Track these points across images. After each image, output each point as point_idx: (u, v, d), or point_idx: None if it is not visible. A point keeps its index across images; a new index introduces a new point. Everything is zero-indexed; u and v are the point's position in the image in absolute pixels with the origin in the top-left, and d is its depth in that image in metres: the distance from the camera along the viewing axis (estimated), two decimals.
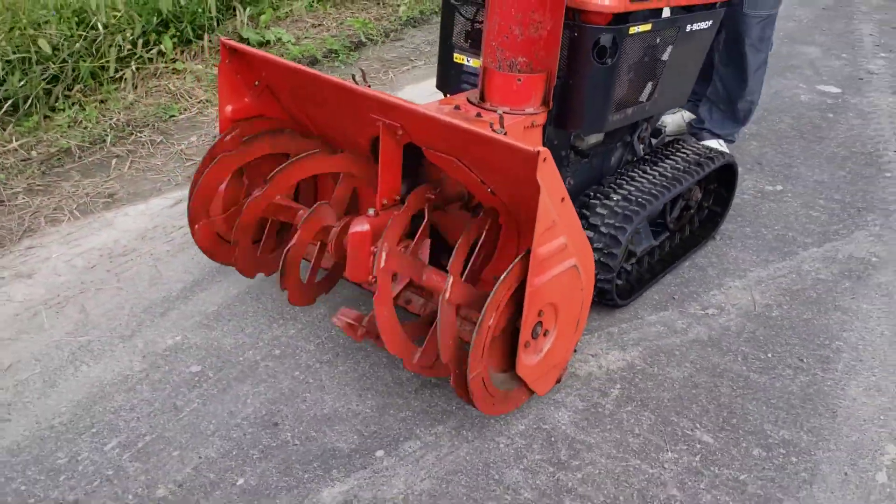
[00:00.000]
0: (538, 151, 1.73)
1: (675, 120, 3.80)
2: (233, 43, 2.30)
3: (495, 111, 2.20)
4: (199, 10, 4.53)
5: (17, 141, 3.58)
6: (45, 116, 3.79)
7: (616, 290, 2.59)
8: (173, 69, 4.34)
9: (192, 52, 4.50)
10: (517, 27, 2.14)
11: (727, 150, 3.48)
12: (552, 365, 2.16)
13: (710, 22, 2.73)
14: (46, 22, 3.91)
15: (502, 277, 1.87)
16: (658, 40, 2.53)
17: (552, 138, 2.49)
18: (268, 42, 4.78)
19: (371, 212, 2.08)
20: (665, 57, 2.60)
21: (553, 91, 2.31)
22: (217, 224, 2.40)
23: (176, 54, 4.41)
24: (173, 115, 3.96)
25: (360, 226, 2.05)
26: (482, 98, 2.31)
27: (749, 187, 3.44)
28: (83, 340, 2.43)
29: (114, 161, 3.52)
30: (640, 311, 2.67)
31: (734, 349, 2.51)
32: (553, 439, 2.16)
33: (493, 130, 2.02)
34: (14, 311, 2.54)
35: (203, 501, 1.91)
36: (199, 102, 4.11)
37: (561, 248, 1.95)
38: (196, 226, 2.36)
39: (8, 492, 1.91)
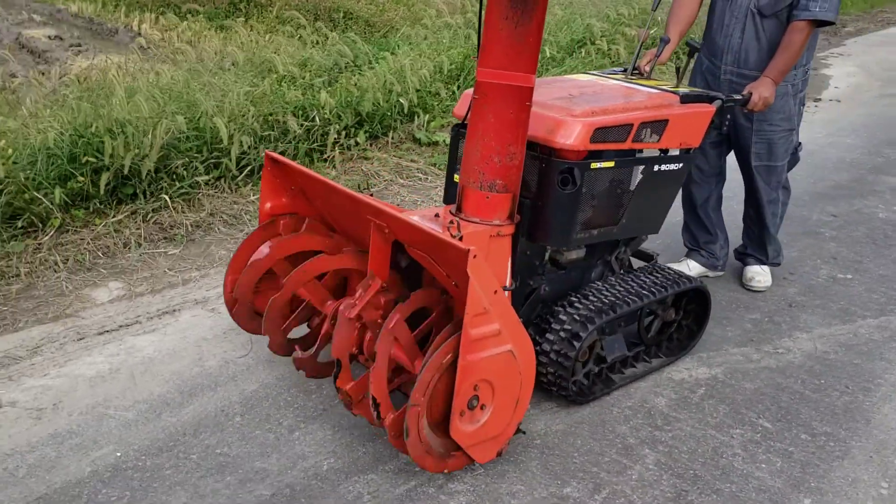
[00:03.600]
0: (468, 250, 2.15)
1: (680, 268, 3.95)
2: (274, 155, 2.87)
3: (467, 220, 2.59)
4: (388, 113, 5.79)
5: (253, 196, 4.80)
6: None
7: (578, 388, 2.97)
8: (364, 156, 5.56)
9: (379, 145, 5.73)
10: (496, 156, 2.51)
11: (767, 276, 3.99)
12: (490, 437, 2.51)
13: (681, 165, 3.07)
14: (282, 111, 5.22)
15: (439, 347, 2.30)
16: (623, 175, 2.88)
17: (525, 249, 2.87)
18: (435, 142, 5.97)
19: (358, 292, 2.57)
20: (632, 189, 2.93)
21: (522, 208, 2.73)
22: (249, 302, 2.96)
23: (367, 145, 5.65)
24: (366, 189, 5.13)
25: (349, 309, 2.54)
26: (458, 210, 2.64)
27: (824, 274, 4.24)
28: None
29: None
30: (724, 345, 3.50)
31: (795, 375, 3.30)
32: (652, 413, 3.01)
33: (452, 235, 2.43)
34: None
35: None
36: (384, 181, 5.28)
37: (494, 333, 2.33)
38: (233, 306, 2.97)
39: None
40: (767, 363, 3.39)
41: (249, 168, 4.95)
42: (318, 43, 7.82)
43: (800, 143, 3.78)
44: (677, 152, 3.07)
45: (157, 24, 12.14)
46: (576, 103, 2.81)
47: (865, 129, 7.18)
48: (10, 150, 4.01)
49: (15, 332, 3.35)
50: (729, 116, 3.23)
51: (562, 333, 2.87)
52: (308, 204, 2.99)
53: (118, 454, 2.64)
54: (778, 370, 3.34)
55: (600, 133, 2.71)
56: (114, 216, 4.34)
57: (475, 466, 2.64)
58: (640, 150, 2.93)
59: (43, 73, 7.78)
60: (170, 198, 4.51)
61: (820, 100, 8.23)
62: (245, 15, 12.55)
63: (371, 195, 3.01)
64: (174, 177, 4.61)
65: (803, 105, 3.71)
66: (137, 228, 4.31)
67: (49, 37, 11.97)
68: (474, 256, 2.17)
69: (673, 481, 2.64)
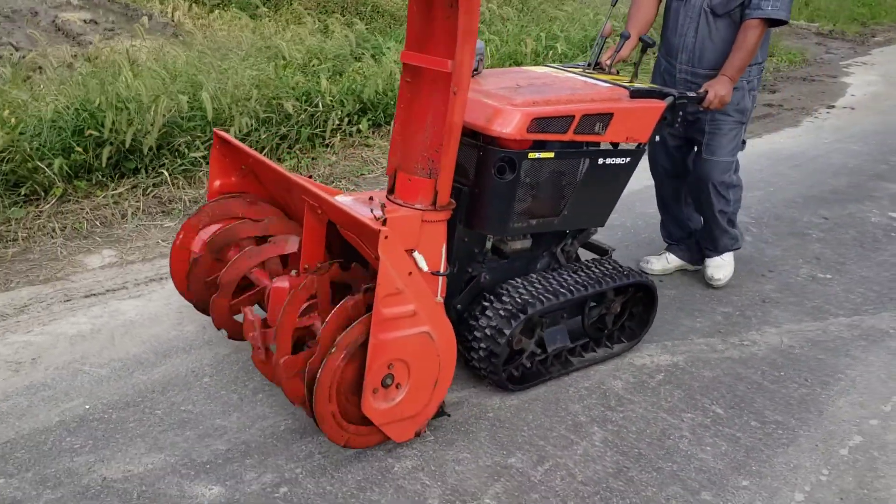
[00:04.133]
0: (379, 230, 2.20)
1: (660, 262, 4.11)
2: (223, 134, 2.90)
3: (397, 203, 2.64)
4: (392, 101, 5.90)
5: None
6: (276, 160, 5.16)
7: (511, 376, 3.02)
8: (366, 143, 5.68)
9: (382, 133, 5.85)
10: (419, 140, 2.61)
11: (727, 266, 3.98)
12: (407, 416, 2.55)
13: (628, 159, 3.09)
14: (286, 96, 5.36)
15: (351, 326, 2.32)
16: (563, 167, 2.89)
17: (463, 236, 2.90)
18: None
19: (293, 273, 2.66)
20: (572, 181, 2.95)
21: (460, 195, 2.78)
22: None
23: (369, 133, 5.77)
24: (363, 174, 5.25)
25: (281, 282, 2.62)
26: (390, 192, 2.72)
27: (804, 273, 4.27)
28: None
29: None
30: (691, 335, 3.56)
31: (756, 366, 3.35)
32: (608, 394, 3.08)
33: (375, 217, 2.44)
34: None
35: None
36: (381, 168, 5.39)
37: (409, 314, 2.37)
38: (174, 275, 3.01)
39: None
40: (731, 354, 3.44)
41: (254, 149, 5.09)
42: (328, 31, 7.95)
43: (744, 142, 3.76)
44: (625, 147, 3.09)
45: (190, 11, 12.39)
46: (519, 93, 2.83)
47: (875, 136, 7.14)
48: (13, 120, 4.18)
49: (6, 292, 3.51)
50: (681, 113, 3.19)
51: (487, 331, 2.88)
52: (259, 185, 3.04)
53: (87, 407, 2.78)
54: (740, 361, 3.39)
55: (539, 123, 2.72)
56: (114, 189, 4.50)
57: (426, 435, 2.74)
58: (586, 143, 2.94)
59: (74, 57, 8.01)
60: (170, 173, 4.66)
61: (833, 107, 8.19)
62: (275, 6, 12.75)
63: (310, 177, 3.10)
64: (176, 153, 4.76)
65: (754, 103, 3.73)
66: (137, 201, 4.47)
67: (84, 20, 12.25)
68: (385, 237, 2.21)
69: (616, 458, 2.72)
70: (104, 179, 4.54)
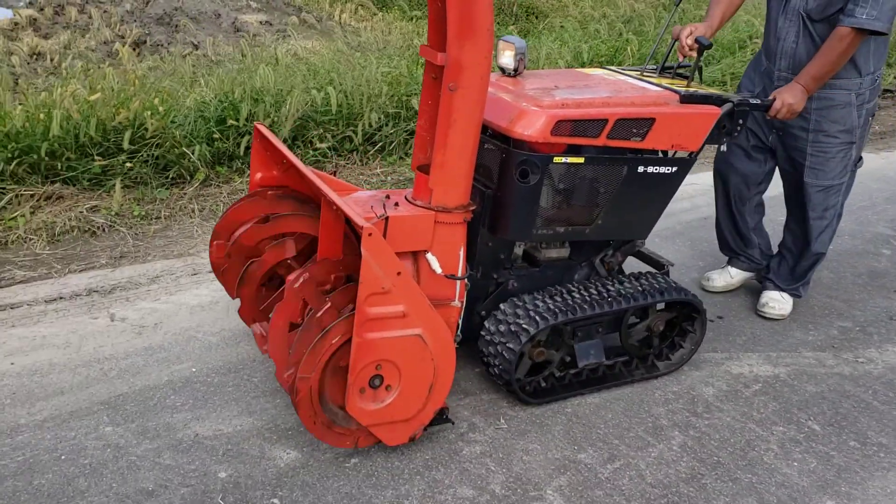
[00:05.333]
0: (363, 227, 2.12)
1: (722, 277, 3.81)
2: (262, 128, 2.82)
3: (413, 203, 2.59)
4: None
5: (380, 169, 5.15)
6: (401, 157, 5.34)
7: (530, 388, 2.87)
8: None
9: None
10: (426, 136, 2.56)
11: (786, 304, 3.60)
12: (400, 419, 2.46)
13: (674, 168, 2.86)
14: (416, 93, 5.53)
15: (346, 315, 2.29)
16: (596, 173, 2.74)
17: (486, 240, 2.79)
18: None
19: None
20: (607, 189, 2.79)
21: (483, 198, 2.71)
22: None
23: None
24: None
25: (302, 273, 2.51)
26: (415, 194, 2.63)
27: None
28: None
29: None
30: (800, 348, 3.38)
31: (868, 385, 3.14)
32: (696, 400, 2.99)
33: (376, 215, 2.44)
34: None
35: None
36: None
37: (398, 314, 2.28)
38: (214, 242, 2.90)
39: None
40: (841, 370, 3.24)
41: (381, 143, 5.31)
42: None
43: (860, 159, 3.43)
44: (671, 154, 2.90)
45: (356, 14, 13.00)
46: (552, 94, 2.70)
47: None
48: (160, 109, 4.58)
49: (143, 264, 3.87)
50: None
51: (512, 326, 2.75)
52: (300, 178, 2.89)
53: (193, 370, 3.03)
54: (850, 378, 3.18)
55: (566, 126, 2.59)
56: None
57: (499, 421, 2.79)
58: (625, 149, 2.77)
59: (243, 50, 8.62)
60: (303, 164, 4.94)
61: None
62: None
63: (334, 174, 2.96)
64: (308, 145, 5.04)
65: (872, 117, 3.34)
66: None
67: (260, 22, 13.14)
68: (370, 234, 2.14)
69: (692, 464, 2.64)
70: (242, 167, 4.88)
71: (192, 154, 4.59)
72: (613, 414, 2.88)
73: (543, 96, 2.68)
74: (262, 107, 4.81)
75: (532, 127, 2.57)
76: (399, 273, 2.24)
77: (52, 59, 10.29)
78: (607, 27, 7.44)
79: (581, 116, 2.62)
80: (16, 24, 11.80)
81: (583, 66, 6.46)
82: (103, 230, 4.11)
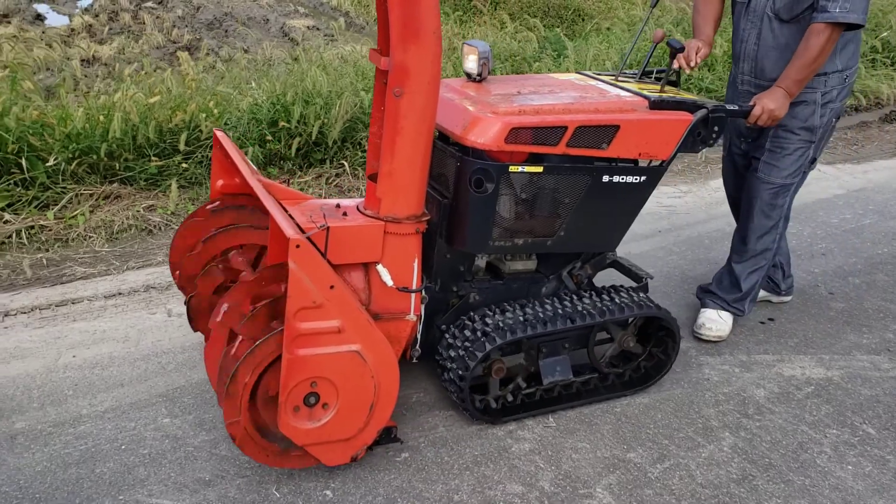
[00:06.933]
0: (290, 238, 2.03)
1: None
2: (220, 134, 2.73)
3: (363, 213, 2.48)
4: None
5: None
6: None
7: (489, 407, 2.75)
8: None
9: None
10: (377, 142, 2.49)
11: (724, 325, 3.36)
12: (339, 439, 2.36)
13: (643, 178, 2.73)
14: None
15: (260, 341, 2.17)
16: (557, 183, 2.62)
17: (444, 252, 2.69)
18: None
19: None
20: (569, 200, 2.67)
21: (440, 208, 2.61)
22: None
23: None
24: None
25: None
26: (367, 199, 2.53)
27: None
28: None
29: None
30: (853, 351, 3.33)
31: None
32: (747, 402, 2.97)
33: (317, 225, 2.33)
34: None
35: None
36: None
37: (333, 330, 2.18)
38: (176, 272, 2.82)
39: None
40: None
41: None
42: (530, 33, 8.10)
43: (814, 161, 3.24)
44: (640, 163, 2.75)
45: None
46: (511, 101, 2.59)
47: None
48: (215, 112, 4.69)
49: None
50: (717, 129, 2.78)
51: (467, 343, 2.65)
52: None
53: None
54: None
55: (521, 133, 2.47)
56: (301, 177, 4.91)
57: (548, 419, 2.80)
58: (592, 158, 2.64)
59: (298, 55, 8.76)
60: (350, 165, 5.01)
61: None
62: (479, 11, 13.18)
63: (287, 182, 2.93)
64: (357, 146, 5.11)
65: (837, 119, 3.17)
66: (320, 189, 4.85)
67: (308, 27, 13.34)
68: (297, 246, 2.05)
69: (743, 465, 2.63)
70: (294, 168, 4.96)
71: (246, 156, 4.68)
72: (663, 414, 2.88)
73: (501, 102, 2.57)
74: (312, 109, 4.89)
75: (485, 135, 2.46)
76: (332, 286, 2.14)
77: (106, 64, 10.56)
78: (655, 28, 7.39)
79: (538, 124, 2.50)
80: (72, 29, 12.14)
81: (630, 67, 6.44)
82: (160, 229, 4.22)
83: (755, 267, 3.34)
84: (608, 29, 7.65)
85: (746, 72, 3.17)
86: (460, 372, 2.62)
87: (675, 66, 3.00)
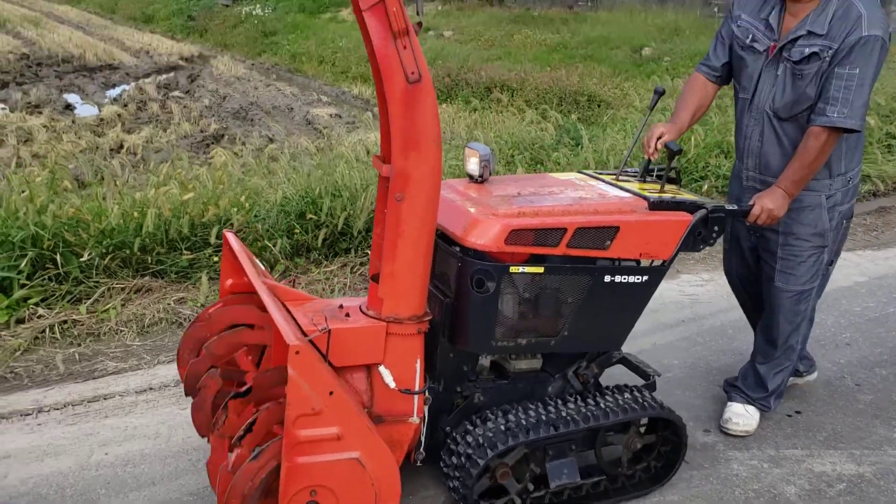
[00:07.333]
0: (290, 345, 2.04)
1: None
2: (231, 239, 2.79)
3: (365, 313, 2.50)
4: None
5: None
6: None
7: None
8: None
9: None
10: (380, 243, 2.52)
11: (751, 420, 3.35)
12: None
13: (645, 277, 2.74)
14: None
15: (257, 451, 2.18)
16: (558, 283, 2.64)
17: (448, 352, 2.69)
18: None
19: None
20: (572, 299, 2.68)
21: (442, 308, 2.63)
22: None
23: None
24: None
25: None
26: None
27: None
28: None
29: None
30: (884, 446, 3.30)
31: None
32: (778, 499, 2.95)
33: (318, 328, 2.36)
34: None
35: None
36: None
37: (332, 437, 2.18)
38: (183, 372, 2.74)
39: None
40: None
41: None
42: (545, 121, 8.30)
43: (831, 262, 3.23)
44: (640, 263, 2.77)
45: None
46: (511, 202, 2.65)
47: None
48: (246, 205, 4.83)
49: None
50: (716, 228, 2.81)
51: (469, 449, 2.62)
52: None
53: None
54: None
55: (520, 235, 2.52)
56: (327, 266, 5.01)
57: None
58: (593, 258, 2.67)
59: (321, 147, 9.01)
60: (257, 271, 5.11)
61: None
62: (496, 100, 13.52)
63: (292, 283, 2.92)
64: None
65: (848, 220, 3.18)
66: (345, 278, 4.94)
67: (330, 115, 13.72)
68: (297, 353, 2.06)
69: None
70: (319, 258, 5.07)
71: (274, 247, 4.80)
72: None
73: (501, 204, 2.63)
74: (339, 201, 5.02)
75: (485, 236, 2.51)
76: (332, 392, 2.15)
77: (135, 153, 10.87)
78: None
79: (538, 226, 2.55)
80: (101, 119, 12.55)
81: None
82: (190, 321, 4.29)
83: (780, 367, 3.34)
84: (624, 119, 7.82)
85: (751, 167, 3.18)
86: (463, 491, 2.61)
87: (648, 158, 3.05)
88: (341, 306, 2.58)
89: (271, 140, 11.29)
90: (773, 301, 3.24)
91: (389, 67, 2.22)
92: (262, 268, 2.84)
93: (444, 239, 2.69)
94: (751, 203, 2.93)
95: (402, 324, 2.44)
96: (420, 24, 2.29)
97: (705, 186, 6.34)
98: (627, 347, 3.09)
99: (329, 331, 2.35)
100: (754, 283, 3.42)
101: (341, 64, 17.71)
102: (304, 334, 2.31)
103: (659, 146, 3.04)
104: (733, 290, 3.63)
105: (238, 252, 2.70)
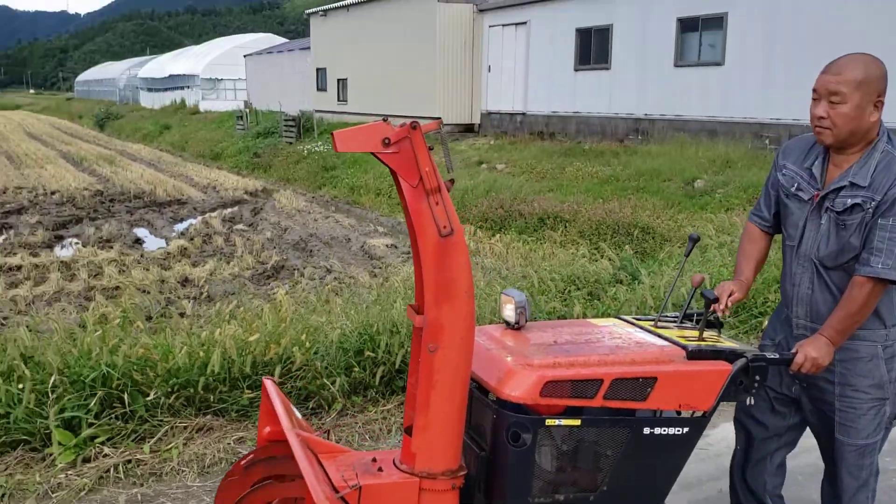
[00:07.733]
0: None
1: None
2: (268, 383, 2.81)
3: (398, 467, 2.48)
4: None
5: None
6: None
7: None
8: None
9: None
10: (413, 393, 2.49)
11: None
12: None
13: (685, 429, 2.66)
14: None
15: None
16: (596, 436, 2.58)
17: None
18: None
19: None
20: (611, 453, 2.62)
21: (478, 462, 2.59)
22: None
23: None
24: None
25: None
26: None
27: None
28: None
29: None
30: None
31: None
32: None
33: (349, 485, 2.34)
34: None
35: None
36: None
37: None
38: None
39: None
40: None
41: None
42: (598, 253, 8.37)
43: (895, 416, 3.06)
44: (681, 414, 2.70)
45: (474, 235, 13.73)
46: (547, 351, 2.63)
47: None
48: (307, 344, 4.93)
49: None
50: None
51: None
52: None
53: None
54: None
55: (556, 387, 2.48)
56: (384, 405, 5.03)
57: None
58: (632, 410, 2.62)
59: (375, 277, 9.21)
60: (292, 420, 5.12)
61: None
62: (551, 229, 13.71)
63: (328, 432, 2.93)
64: None
65: None
66: (401, 418, 4.94)
67: (386, 245, 14.06)
68: None
69: None
70: (377, 396, 5.09)
71: (333, 385, 4.85)
72: None
73: (537, 353, 2.60)
74: (396, 338, 5.09)
75: (520, 388, 2.46)
76: None
77: (197, 285, 11.21)
78: (725, 252, 7.58)
79: (573, 377, 2.50)
80: (168, 253, 13.07)
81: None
82: None
83: None
84: (680, 254, 7.84)
85: (801, 315, 3.06)
86: None
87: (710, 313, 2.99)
88: (374, 459, 2.56)
89: (328, 270, 11.58)
90: (835, 454, 3.10)
91: (422, 222, 2.31)
92: (299, 416, 2.86)
93: (479, 389, 2.68)
94: (793, 351, 2.86)
95: (436, 479, 2.41)
96: (452, 180, 2.40)
97: (765, 323, 6.26)
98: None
99: (360, 487, 2.33)
100: (770, 437, 3.27)
101: (397, 196, 18.35)
102: (336, 490, 2.30)
103: (731, 304, 3.02)
104: (738, 433, 3.40)
105: (275, 401, 2.71)
